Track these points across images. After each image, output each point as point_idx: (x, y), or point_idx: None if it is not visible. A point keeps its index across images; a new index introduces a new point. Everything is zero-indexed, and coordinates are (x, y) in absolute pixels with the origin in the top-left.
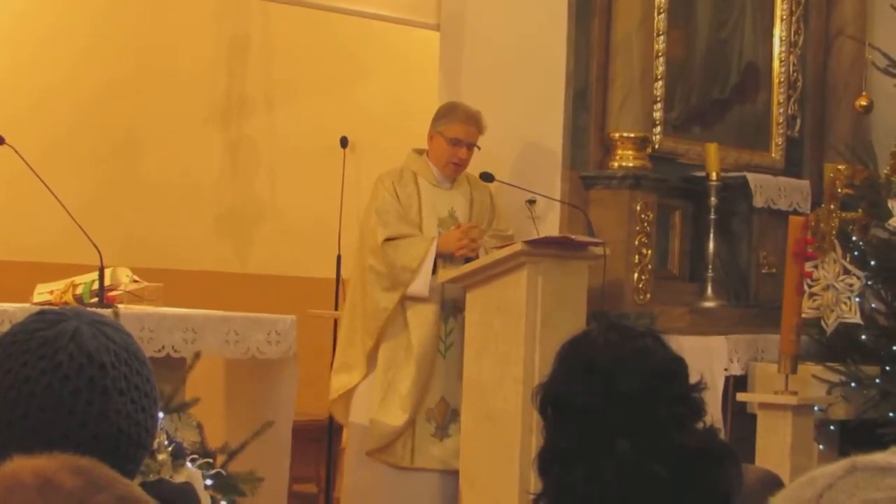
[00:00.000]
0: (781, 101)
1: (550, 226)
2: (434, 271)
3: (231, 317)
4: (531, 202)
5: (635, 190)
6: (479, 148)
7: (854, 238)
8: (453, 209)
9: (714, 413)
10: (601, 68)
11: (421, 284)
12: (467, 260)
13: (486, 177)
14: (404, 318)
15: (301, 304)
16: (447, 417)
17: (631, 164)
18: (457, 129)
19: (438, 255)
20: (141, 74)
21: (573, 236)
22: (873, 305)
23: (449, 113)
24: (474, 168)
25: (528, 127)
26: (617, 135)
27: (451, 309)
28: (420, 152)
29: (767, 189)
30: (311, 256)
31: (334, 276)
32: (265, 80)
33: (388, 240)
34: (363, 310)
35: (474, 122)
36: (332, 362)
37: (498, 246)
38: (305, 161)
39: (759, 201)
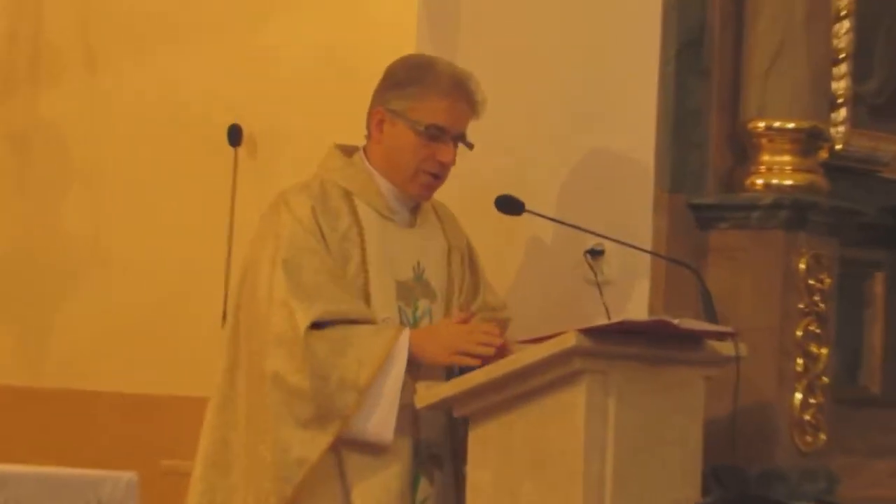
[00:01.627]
0: None
1: (632, 298)
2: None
3: (14, 474)
4: (594, 253)
5: (797, 231)
6: (471, 146)
7: None
8: (420, 265)
9: None
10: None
11: (380, 417)
12: (460, 371)
13: (510, 206)
14: (340, 478)
15: (148, 450)
16: None
17: (789, 182)
18: (436, 108)
19: (413, 362)
20: None
21: (676, 321)
22: None
23: (419, 76)
24: (474, 191)
25: (587, 114)
26: (762, 125)
27: (426, 460)
28: (349, 152)
29: None
30: (169, 356)
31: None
32: (83, 19)
33: (314, 327)
34: (253, 462)
35: (465, 95)
36: None
37: (523, 341)
38: (163, 168)
39: None
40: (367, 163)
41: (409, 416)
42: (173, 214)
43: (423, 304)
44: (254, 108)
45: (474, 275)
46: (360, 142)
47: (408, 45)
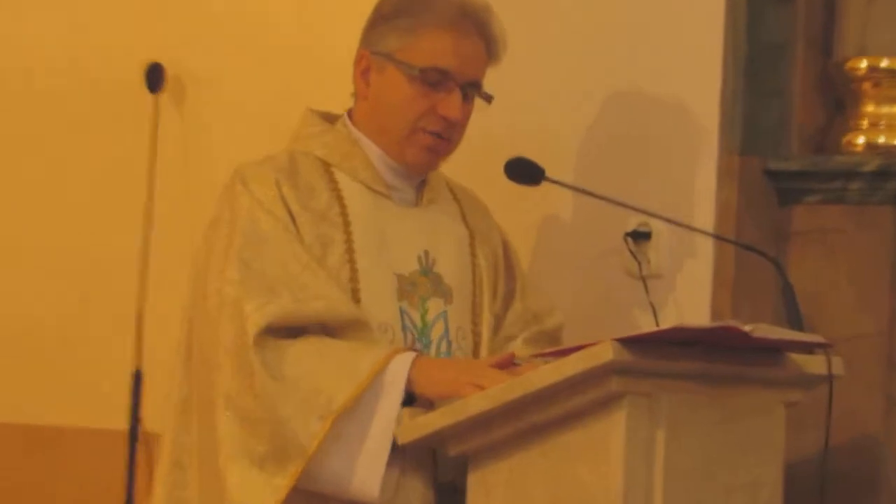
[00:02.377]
0: None
1: (688, 297)
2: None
3: None
4: (638, 236)
5: None
6: (489, 99)
7: None
8: (429, 255)
9: None
10: None
11: (362, 464)
12: None
13: (526, 172)
14: None
15: (40, 498)
16: None
17: None
18: (435, 45)
19: (412, 392)
20: None
21: (747, 328)
22: None
23: (412, 4)
24: (479, 154)
25: (629, 53)
26: (863, 65)
27: None
28: (331, 119)
29: None
30: (72, 373)
31: (126, 425)
32: None
33: (271, 332)
34: None
35: (476, 29)
36: None
37: (544, 353)
38: (57, 123)
39: None
40: (351, 126)
41: (424, 454)
42: (71, 186)
43: (434, 304)
44: (179, 43)
45: (511, 278)
46: (332, 101)
47: None
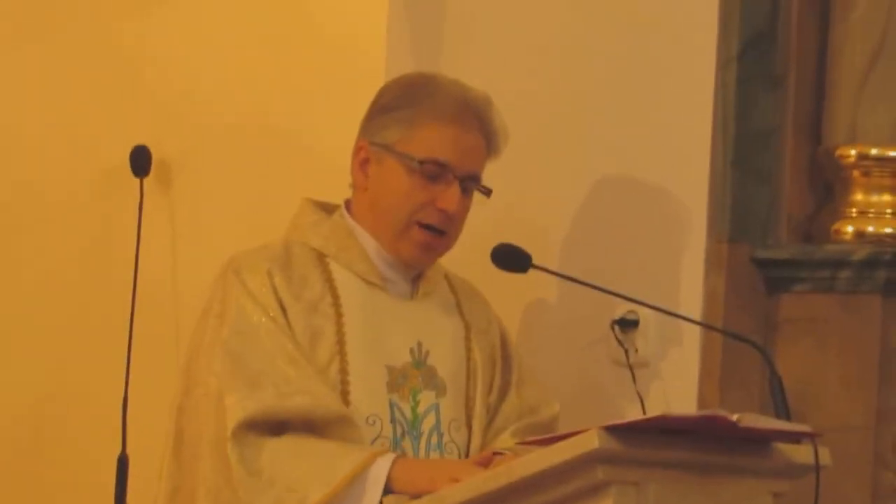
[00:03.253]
0: None
1: (675, 385)
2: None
3: None
4: (625, 324)
5: None
6: (487, 193)
7: None
8: (422, 346)
9: None
10: None
11: None
12: None
13: (512, 260)
14: None
15: None
16: None
17: (889, 230)
18: (435, 138)
19: (392, 491)
20: None
21: (734, 417)
22: None
23: (413, 96)
24: (463, 241)
25: (616, 138)
26: (853, 152)
27: None
28: (329, 209)
29: None
30: (56, 459)
31: None
32: None
33: (252, 426)
34: None
35: (476, 122)
36: None
37: (527, 441)
38: (38, 209)
39: None
40: (349, 218)
41: None
42: (56, 271)
43: (425, 396)
44: (166, 126)
45: (508, 370)
46: (319, 188)
47: (376, 40)
